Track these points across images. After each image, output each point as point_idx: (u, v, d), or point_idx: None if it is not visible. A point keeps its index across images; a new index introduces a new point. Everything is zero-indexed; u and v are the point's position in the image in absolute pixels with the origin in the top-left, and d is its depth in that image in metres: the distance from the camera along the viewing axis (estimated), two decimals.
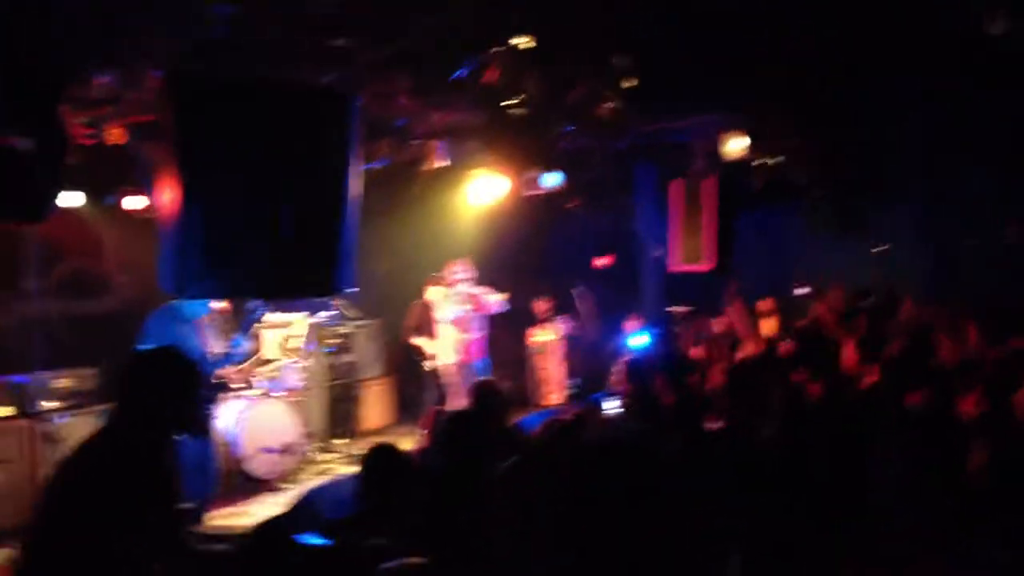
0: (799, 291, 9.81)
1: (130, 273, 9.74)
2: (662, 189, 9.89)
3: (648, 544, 1.55)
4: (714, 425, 5.27)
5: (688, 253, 8.85)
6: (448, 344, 9.31)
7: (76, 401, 7.67)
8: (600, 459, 1.69)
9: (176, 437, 3.44)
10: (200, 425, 3.52)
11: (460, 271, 9.42)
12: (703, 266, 8.76)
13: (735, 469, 3.35)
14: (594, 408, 6.52)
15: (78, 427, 7.21)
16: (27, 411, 7.30)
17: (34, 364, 8.12)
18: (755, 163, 8.74)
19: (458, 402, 7.41)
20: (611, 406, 6.35)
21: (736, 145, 8.41)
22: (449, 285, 9.37)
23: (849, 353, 5.94)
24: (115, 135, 6.79)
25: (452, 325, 9.30)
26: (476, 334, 9.45)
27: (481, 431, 4.80)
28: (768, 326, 9.98)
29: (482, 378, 5.77)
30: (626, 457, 1.67)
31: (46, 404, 7.43)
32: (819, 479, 2.81)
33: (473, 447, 4.64)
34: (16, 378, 7.44)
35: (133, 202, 8.74)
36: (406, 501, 4.06)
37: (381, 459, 4.17)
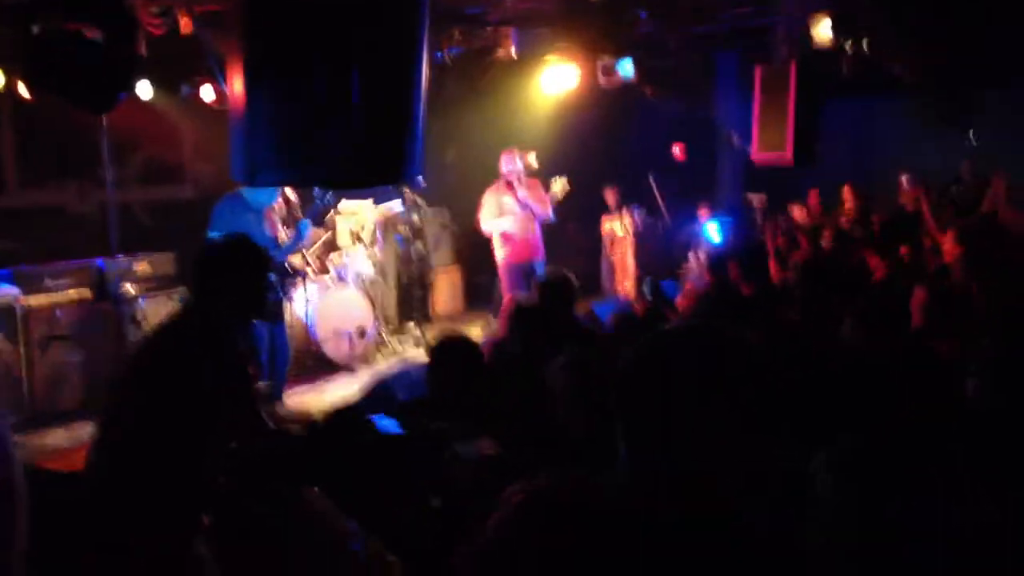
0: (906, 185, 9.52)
1: (207, 161, 9.86)
2: (744, 76, 9.60)
3: (732, 436, 1.49)
4: (791, 316, 5.19)
5: (769, 142, 8.60)
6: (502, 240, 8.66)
7: (155, 284, 7.83)
8: (678, 344, 1.61)
9: (247, 322, 3.49)
10: (269, 311, 3.57)
11: (507, 163, 8.63)
12: (784, 155, 8.51)
13: (814, 364, 3.26)
14: (661, 296, 6.47)
15: (157, 309, 7.39)
16: (108, 293, 7.48)
17: (114, 248, 8.33)
18: (845, 49, 8.40)
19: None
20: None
21: (823, 29, 8.09)
22: (502, 180, 8.62)
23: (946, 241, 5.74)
24: (185, 24, 6.75)
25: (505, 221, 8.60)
26: (528, 234, 8.64)
27: (551, 321, 4.80)
28: (850, 213, 9.79)
29: (552, 268, 5.73)
30: (711, 342, 1.59)
31: (126, 287, 7.60)
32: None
33: (544, 337, 4.65)
34: (97, 261, 7.61)
35: (208, 92, 8.77)
36: (475, 389, 4.09)
37: (450, 348, 4.19)
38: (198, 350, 3.24)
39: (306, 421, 4.13)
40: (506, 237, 8.32)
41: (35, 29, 4.50)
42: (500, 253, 8.40)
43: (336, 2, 4.73)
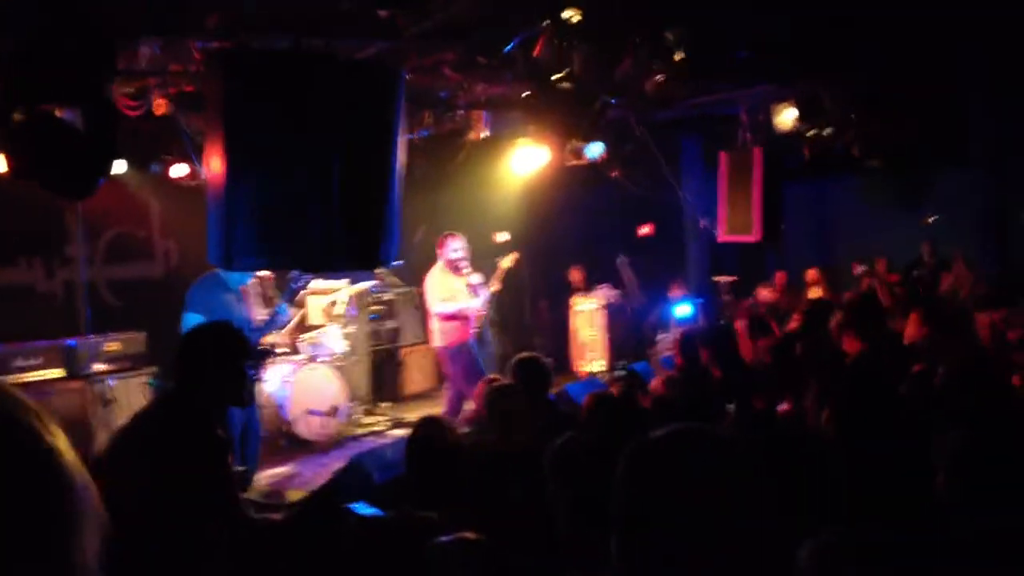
0: (857, 270, 9.70)
1: (177, 239, 9.87)
2: (708, 159, 9.84)
3: (714, 531, 1.55)
4: (760, 403, 5.26)
5: (736, 224, 8.80)
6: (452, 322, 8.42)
7: (126, 364, 7.78)
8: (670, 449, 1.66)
9: (227, 408, 3.50)
10: (247, 397, 3.58)
11: (455, 248, 8.42)
12: (751, 237, 8.70)
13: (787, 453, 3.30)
14: (636, 379, 6.53)
15: (129, 389, 7.35)
16: (79, 373, 7.42)
17: (83, 328, 8.28)
18: (806, 134, 8.65)
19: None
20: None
21: (786, 117, 8.35)
22: (447, 264, 8.43)
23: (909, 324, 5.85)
24: (160, 106, 6.83)
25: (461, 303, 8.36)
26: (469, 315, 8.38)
27: (525, 403, 4.84)
28: (814, 296, 9.97)
29: (526, 353, 5.78)
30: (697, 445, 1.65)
31: (97, 366, 7.55)
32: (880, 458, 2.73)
33: (519, 419, 4.68)
34: (68, 341, 7.56)
35: (178, 171, 8.81)
36: (453, 474, 4.10)
37: (428, 431, 4.21)
38: (180, 438, 3.24)
39: (283, 507, 4.12)
40: (457, 319, 8.28)
41: (17, 115, 4.52)
42: (447, 335, 8.28)
43: (317, 92, 4.85)
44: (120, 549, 2.93)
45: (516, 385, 5.14)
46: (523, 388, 5.09)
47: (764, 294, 10.08)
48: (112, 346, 7.78)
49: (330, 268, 6.56)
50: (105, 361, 7.65)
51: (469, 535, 3.27)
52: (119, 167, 8.53)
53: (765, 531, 1.56)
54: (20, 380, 7.06)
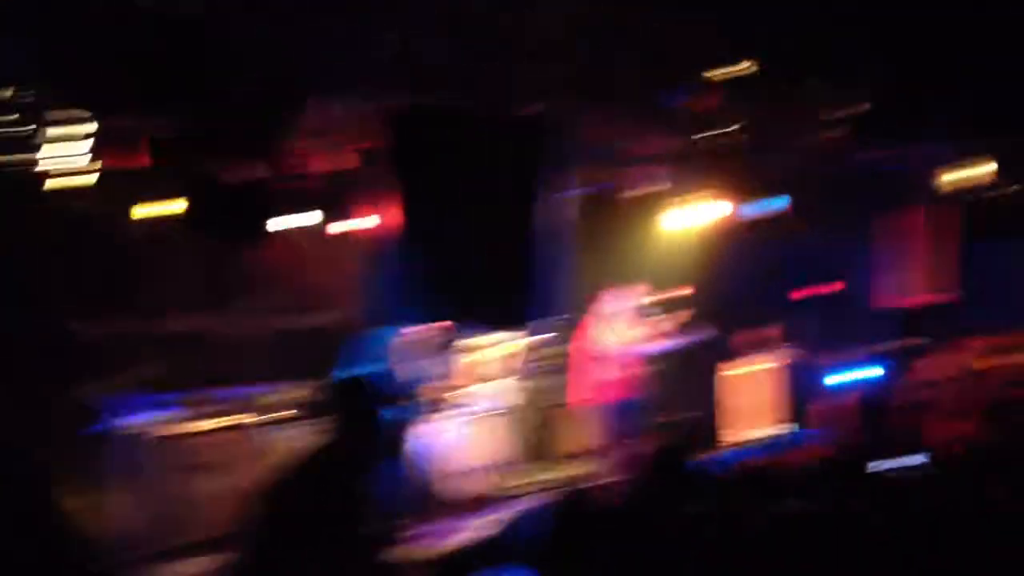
0: None
1: (357, 293, 10.10)
2: (891, 216, 9.41)
3: None
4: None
5: (927, 283, 8.38)
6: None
7: (300, 412, 7.95)
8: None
9: (367, 459, 3.56)
10: (375, 451, 3.63)
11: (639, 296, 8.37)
12: (942, 297, 8.26)
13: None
14: (788, 450, 6.20)
15: (292, 439, 7.48)
16: (244, 422, 7.67)
17: (253, 377, 8.57)
18: (999, 191, 8.17)
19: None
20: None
21: (976, 173, 7.90)
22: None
23: None
24: (350, 160, 7.06)
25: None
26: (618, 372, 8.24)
27: (667, 471, 4.70)
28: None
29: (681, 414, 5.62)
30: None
31: (262, 416, 7.78)
32: None
33: (662, 487, 4.55)
34: (235, 390, 7.84)
35: (363, 223, 9.03)
36: (595, 539, 3.98)
37: (572, 503, 4.13)
38: (326, 484, 3.31)
39: (426, 566, 4.10)
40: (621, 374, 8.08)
41: (201, 168, 4.76)
42: (608, 391, 8.13)
43: (480, 150, 4.91)
44: None
45: (674, 447, 4.98)
46: (679, 449, 4.92)
47: (961, 357, 9.42)
48: (287, 395, 7.99)
49: (486, 324, 6.61)
50: (271, 411, 7.85)
51: None
52: (313, 218, 8.85)
53: None
54: (195, 427, 7.36)
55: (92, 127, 5.46)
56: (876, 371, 9.73)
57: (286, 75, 4.94)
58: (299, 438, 7.47)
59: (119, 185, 6.91)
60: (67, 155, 5.50)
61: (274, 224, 4.82)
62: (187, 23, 4.54)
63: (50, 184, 5.99)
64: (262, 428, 7.70)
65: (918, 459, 5.11)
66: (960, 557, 2.77)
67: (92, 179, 5.81)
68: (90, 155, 5.58)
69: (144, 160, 6.17)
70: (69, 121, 5.38)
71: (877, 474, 4.77)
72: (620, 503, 4.72)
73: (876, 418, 5.93)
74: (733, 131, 6.54)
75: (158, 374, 8.06)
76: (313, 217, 8.68)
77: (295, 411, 7.91)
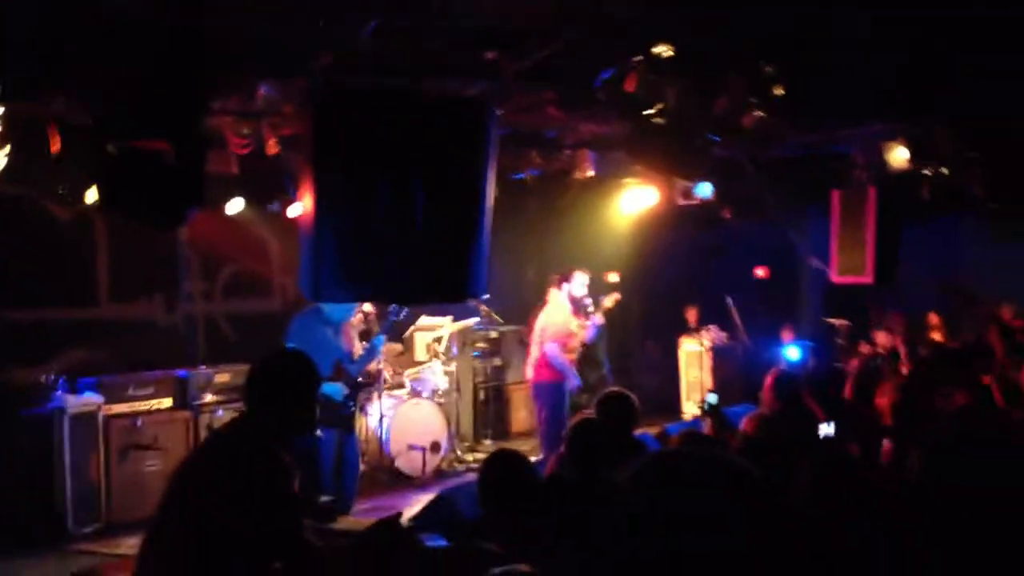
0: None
1: (293, 275, 10.12)
2: (822, 199, 9.61)
3: None
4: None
5: (850, 264, 8.55)
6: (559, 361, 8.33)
7: (235, 395, 8.00)
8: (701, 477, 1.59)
9: (295, 436, 3.56)
10: (309, 427, 3.63)
11: (580, 283, 8.54)
12: (865, 278, 8.44)
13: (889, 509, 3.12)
14: (718, 414, 6.37)
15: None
16: (189, 403, 7.71)
17: (197, 359, 8.60)
18: (923, 172, 8.36)
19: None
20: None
21: (900, 156, 8.09)
22: (570, 298, 8.49)
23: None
24: (271, 146, 7.07)
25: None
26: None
27: (607, 439, 4.78)
28: (935, 340, 9.58)
29: (613, 389, 5.72)
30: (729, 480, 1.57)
31: (207, 397, 7.82)
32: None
33: (597, 455, 4.63)
34: (180, 372, 7.86)
35: (294, 208, 9.08)
36: (526, 508, 4.08)
37: (500, 465, 4.20)
38: (244, 461, 3.31)
39: (352, 536, 4.15)
40: (565, 359, 8.21)
41: (110, 148, 4.71)
42: (545, 371, 8.23)
43: (400, 129, 4.95)
44: (183, 571, 3.00)
45: (599, 420, 5.09)
46: (607, 423, 5.03)
47: (881, 338, 9.71)
48: (222, 378, 8.04)
49: (415, 301, 6.66)
50: (215, 392, 7.91)
51: (523, 567, 3.24)
52: (236, 205, 8.88)
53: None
54: (132, 409, 7.38)
55: None
56: (800, 350, 9.97)
57: (207, 54, 4.90)
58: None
59: (39, 170, 6.89)
60: None
61: (185, 203, 4.77)
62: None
63: None
64: (203, 410, 7.75)
65: (830, 429, 5.30)
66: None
67: (2, 164, 5.74)
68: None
69: (55, 145, 6.14)
70: None
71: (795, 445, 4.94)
72: (557, 476, 4.80)
73: (796, 394, 6.09)
74: (657, 112, 6.62)
75: (94, 358, 8.04)
76: (238, 202, 8.74)
77: (236, 393, 7.96)
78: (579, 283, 8.44)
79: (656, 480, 1.54)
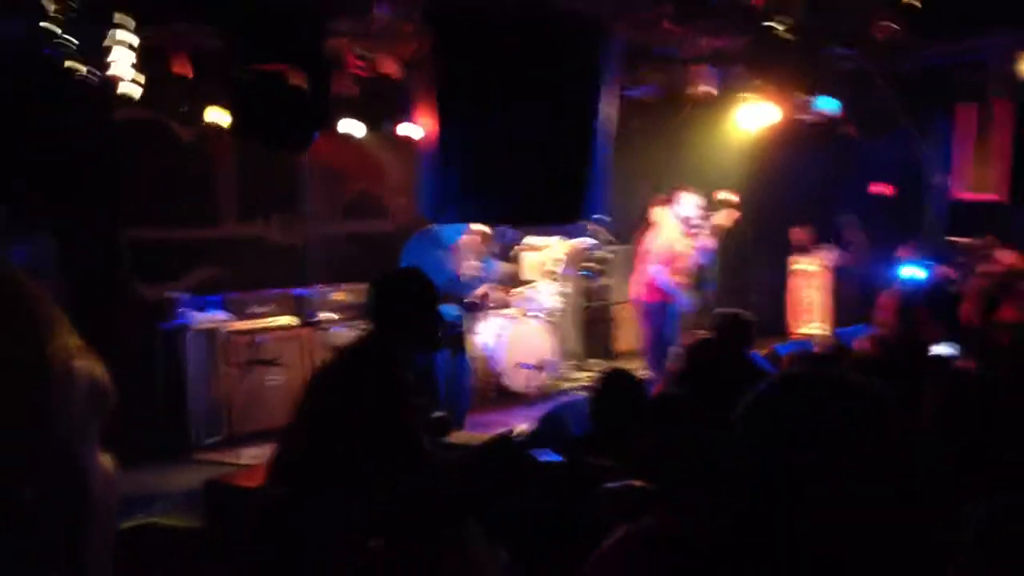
0: None
1: (407, 197, 10.24)
2: (950, 114, 9.21)
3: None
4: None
5: (980, 182, 8.22)
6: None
7: (352, 313, 8.19)
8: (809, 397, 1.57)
9: (418, 353, 3.63)
10: (437, 344, 3.69)
11: (689, 203, 8.32)
12: (994, 195, 8.11)
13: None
14: (843, 344, 6.23)
15: (352, 337, 7.71)
16: (307, 320, 7.92)
17: (315, 278, 8.80)
18: None
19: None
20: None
21: None
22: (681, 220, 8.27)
23: None
24: (388, 67, 7.09)
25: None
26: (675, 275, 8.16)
27: (721, 360, 4.74)
28: None
29: (726, 309, 5.64)
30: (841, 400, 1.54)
31: (324, 315, 8.02)
32: None
33: (712, 374, 4.59)
34: (299, 291, 8.07)
35: (409, 129, 9.12)
36: (637, 425, 4.09)
37: (613, 383, 4.21)
38: (368, 378, 3.39)
39: (469, 451, 4.23)
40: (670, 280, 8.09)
41: (243, 75, 4.82)
42: (653, 291, 8.08)
43: (520, 49, 4.91)
44: (309, 482, 3.11)
45: (714, 340, 5.05)
46: (721, 343, 4.99)
47: (1006, 258, 9.31)
48: (338, 296, 8.23)
49: (532, 221, 6.68)
50: (332, 310, 8.11)
51: (636, 483, 3.26)
52: (353, 127, 8.98)
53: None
54: (255, 325, 7.62)
55: (135, 38, 5.51)
56: (924, 269, 9.65)
57: None
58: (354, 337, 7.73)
59: (166, 94, 7.07)
60: (114, 64, 5.56)
61: (321, 130, 4.86)
62: None
63: (100, 93, 6.09)
64: (321, 327, 7.95)
65: (951, 350, 5.14)
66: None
67: (138, 89, 5.90)
68: (134, 65, 5.65)
69: (187, 69, 6.27)
70: (113, 31, 5.44)
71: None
72: (668, 394, 4.79)
73: (917, 314, 5.92)
74: (787, 28, 6.41)
75: (217, 277, 8.31)
76: (359, 124, 8.82)
77: (353, 311, 8.16)
78: (687, 203, 8.24)
79: (787, 404, 1.51)
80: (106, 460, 1.12)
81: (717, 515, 1.53)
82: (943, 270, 9.32)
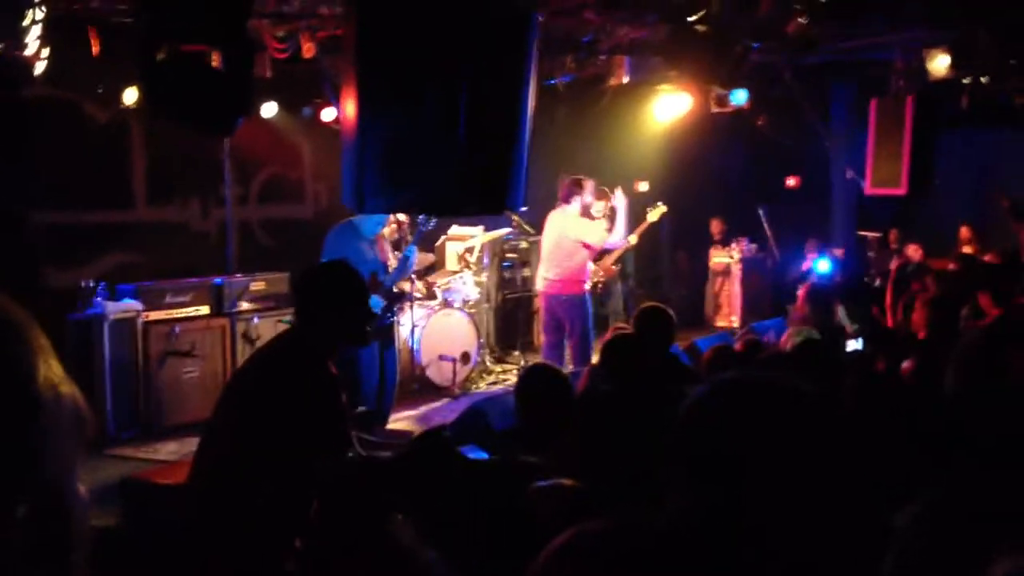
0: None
1: (326, 181, 10.12)
2: (859, 108, 9.44)
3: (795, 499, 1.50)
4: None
5: (884, 176, 8.43)
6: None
7: (270, 303, 8.06)
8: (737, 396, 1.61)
9: (345, 348, 3.60)
10: (366, 339, 3.67)
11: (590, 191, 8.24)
12: (899, 190, 8.34)
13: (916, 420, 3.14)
14: (757, 337, 6.38)
15: (270, 328, 7.63)
16: (224, 310, 7.77)
17: (232, 266, 8.65)
18: (962, 81, 8.18)
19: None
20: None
21: (940, 63, 7.90)
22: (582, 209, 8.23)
23: None
24: (308, 49, 6.99)
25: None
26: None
27: (644, 353, 4.80)
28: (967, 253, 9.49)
29: (649, 303, 5.72)
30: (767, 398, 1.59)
31: (242, 305, 7.88)
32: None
33: (635, 370, 4.65)
34: (216, 280, 7.91)
35: (328, 113, 9.03)
36: (562, 420, 4.12)
37: (536, 379, 4.24)
38: (293, 375, 3.36)
39: (396, 447, 4.23)
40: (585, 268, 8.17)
41: (159, 55, 4.67)
42: (580, 283, 8.11)
43: (445, 33, 4.86)
44: (233, 481, 3.07)
45: (636, 334, 5.11)
46: (642, 337, 5.05)
47: (912, 251, 9.65)
48: (257, 285, 8.07)
49: (456, 212, 6.63)
50: (250, 300, 7.95)
51: (565, 481, 3.30)
52: (270, 110, 8.85)
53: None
54: (169, 315, 7.46)
55: (40, 13, 5.32)
56: (829, 262, 9.93)
57: None
58: (276, 327, 7.64)
59: (79, 74, 6.86)
60: (28, 43, 5.36)
61: (235, 110, 4.73)
62: None
63: (9, 71, 5.89)
64: (240, 318, 7.82)
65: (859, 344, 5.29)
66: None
67: (42, 67, 5.71)
68: (39, 42, 5.46)
69: (95, 46, 6.09)
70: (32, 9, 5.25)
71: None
72: (592, 389, 4.84)
73: (826, 307, 6.08)
74: (700, 18, 6.50)
75: (130, 263, 8.12)
76: (272, 107, 8.70)
77: (271, 301, 8.04)
78: (588, 192, 8.23)
79: (725, 411, 1.55)
80: (81, 486, 1.10)
81: (655, 516, 1.56)
82: (852, 264, 9.62)
